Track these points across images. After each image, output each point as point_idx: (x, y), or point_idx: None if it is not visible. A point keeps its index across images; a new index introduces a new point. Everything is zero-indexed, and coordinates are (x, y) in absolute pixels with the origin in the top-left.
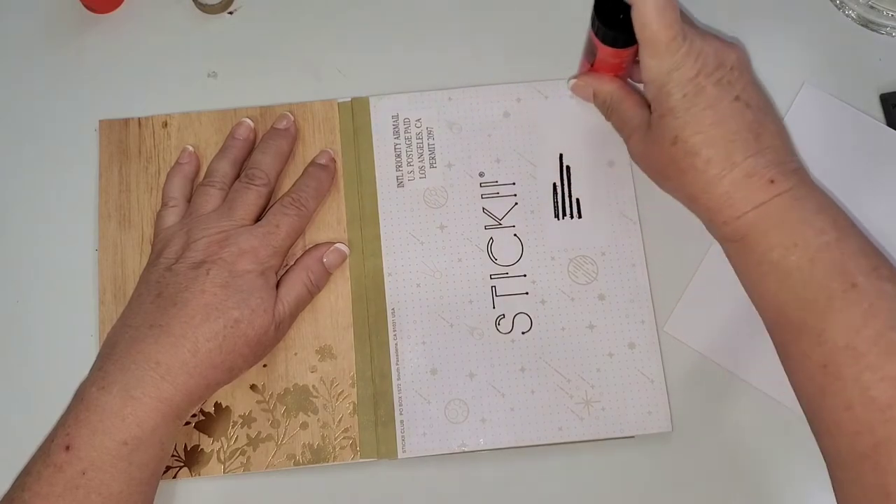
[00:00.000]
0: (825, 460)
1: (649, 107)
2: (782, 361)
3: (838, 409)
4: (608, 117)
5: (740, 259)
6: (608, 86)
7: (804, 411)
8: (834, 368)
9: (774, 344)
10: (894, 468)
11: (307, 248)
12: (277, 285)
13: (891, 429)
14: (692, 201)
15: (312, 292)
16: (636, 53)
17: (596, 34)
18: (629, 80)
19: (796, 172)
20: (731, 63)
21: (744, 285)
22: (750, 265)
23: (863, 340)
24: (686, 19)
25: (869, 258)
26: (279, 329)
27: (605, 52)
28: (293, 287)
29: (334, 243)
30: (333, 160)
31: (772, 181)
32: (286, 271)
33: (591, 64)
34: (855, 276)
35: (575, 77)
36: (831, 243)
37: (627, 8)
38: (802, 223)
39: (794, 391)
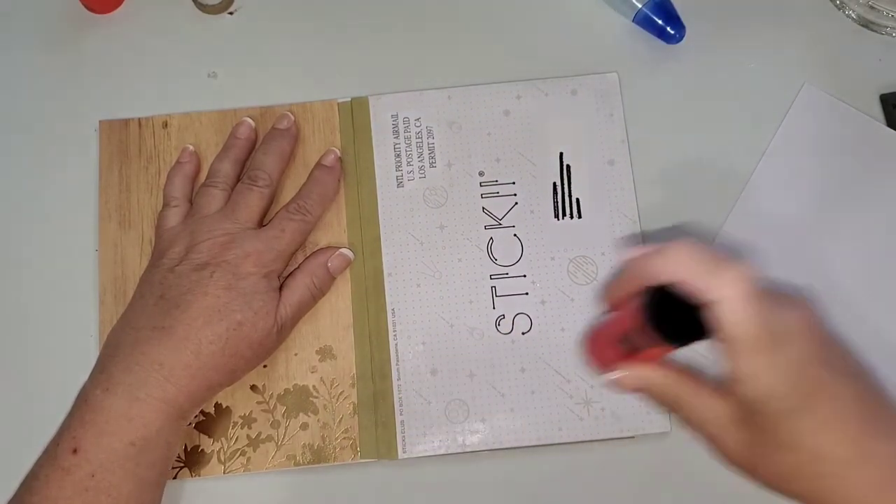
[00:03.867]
0: None
1: (724, 394)
2: None
3: None
4: (673, 412)
5: None
6: (661, 378)
7: None
8: None
9: None
10: None
11: (307, 248)
12: (280, 289)
13: None
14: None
15: (316, 296)
16: None
17: (657, 336)
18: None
19: None
20: (820, 328)
21: None
22: None
23: None
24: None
25: None
26: (281, 332)
27: (663, 350)
28: (296, 291)
29: (339, 248)
30: (339, 160)
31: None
32: (289, 275)
33: (625, 351)
34: None
35: (610, 369)
36: None
37: (694, 306)
38: None
39: None
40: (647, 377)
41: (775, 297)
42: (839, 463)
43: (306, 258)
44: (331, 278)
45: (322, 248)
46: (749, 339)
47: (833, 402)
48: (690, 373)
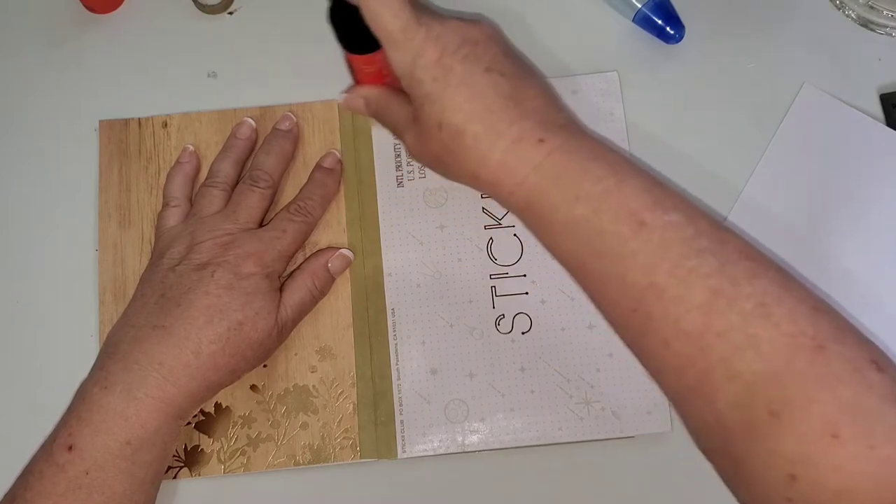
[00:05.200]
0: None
1: (408, 98)
2: (598, 308)
3: (658, 348)
4: (382, 124)
5: (534, 226)
6: (373, 91)
7: (638, 360)
8: (643, 309)
9: (586, 293)
10: (720, 396)
11: (307, 249)
12: (281, 289)
13: (709, 357)
14: (475, 181)
15: (316, 297)
16: None
17: (342, 46)
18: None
19: (564, 128)
20: (475, 38)
21: (546, 249)
22: (542, 229)
23: (662, 275)
24: (420, 5)
25: (651, 193)
26: (282, 332)
27: (357, 61)
28: (297, 291)
29: (339, 249)
30: (339, 162)
31: (540, 140)
32: (290, 276)
33: (354, 79)
34: (641, 215)
35: (344, 92)
36: (611, 188)
37: (356, 9)
38: (580, 175)
39: (622, 341)
40: (362, 92)
41: (437, 15)
42: (472, 138)
43: (306, 259)
44: (331, 279)
45: (322, 249)
46: (389, 34)
47: (464, 88)
48: (392, 88)
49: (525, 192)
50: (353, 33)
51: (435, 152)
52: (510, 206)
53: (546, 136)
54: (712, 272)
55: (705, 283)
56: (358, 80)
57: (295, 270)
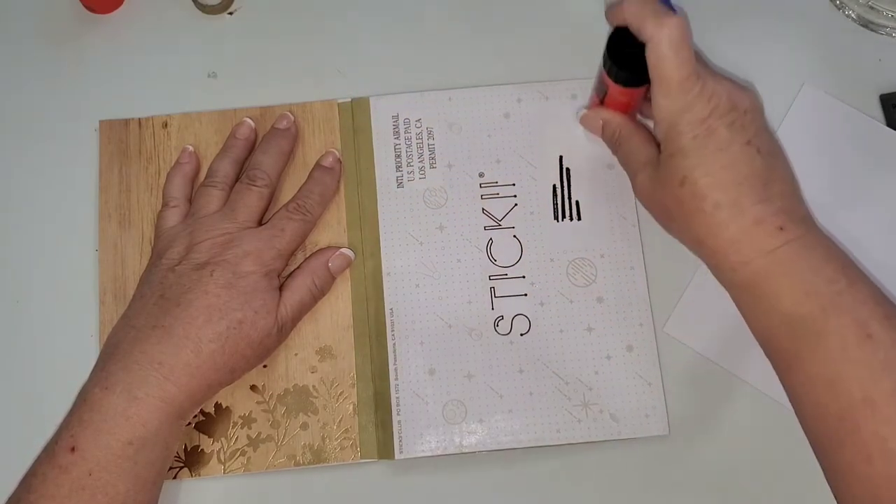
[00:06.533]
0: None
1: (658, 145)
2: (794, 406)
3: (857, 461)
4: (615, 151)
5: (749, 307)
6: (617, 119)
7: (818, 457)
8: (851, 421)
9: (785, 388)
10: None
11: (307, 249)
12: (281, 288)
13: None
14: (698, 245)
15: (316, 296)
16: (647, 91)
17: (608, 73)
18: (639, 116)
19: (805, 220)
20: (744, 107)
21: (753, 331)
22: (759, 313)
23: (881, 393)
24: (700, 60)
25: (882, 306)
26: (281, 332)
27: (616, 90)
28: (297, 290)
29: (339, 248)
30: (339, 161)
31: (781, 228)
32: (290, 275)
33: (600, 100)
34: (869, 326)
35: (585, 108)
36: (843, 291)
37: (641, 46)
38: (812, 272)
39: (807, 437)
40: (603, 116)
41: (720, 74)
42: (712, 205)
43: (307, 258)
44: (331, 278)
45: (323, 248)
46: (668, 78)
47: (721, 154)
48: (637, 122)
49: (750, 272)
50: (627, 65)
51: (666, 203)
52: (725, 280)
53: (787, 224)
54: None
55: None
56: (604, 103)
57: (295, 270)
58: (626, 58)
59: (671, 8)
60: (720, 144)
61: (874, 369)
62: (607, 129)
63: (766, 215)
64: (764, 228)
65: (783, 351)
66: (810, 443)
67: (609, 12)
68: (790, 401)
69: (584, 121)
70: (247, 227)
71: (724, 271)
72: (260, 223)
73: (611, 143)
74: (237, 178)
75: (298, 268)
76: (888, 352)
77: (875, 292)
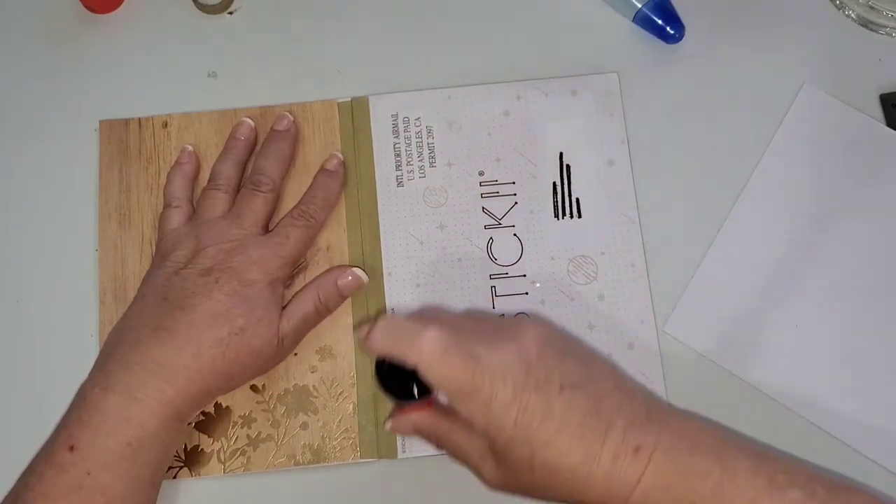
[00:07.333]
0: None
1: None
2: None
3: None
4: (440, 448)
5: None
6: (427, 420)
7: None
8: None
9: None
10: None
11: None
12: (288, 303)
13: None
14: (581, 503)
15: (321, 312)
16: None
17: (389, 395)
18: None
19: (651, 417)
20: (533, 356)
21: None
22: None
23: None
24: (467, 332)
25: (762, 473)
26: (283, 344)
27: (411, 406)
28: (302, 305)
29: (352, 267)
30: (343, 164)
31: (637, 449)
32: (299, 290)
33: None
34: (761, 501)
35: (389, 418)
36: (722, 482)
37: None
38: (686, 476)
39: None
40: (413, 421)
41: (484, 340)
42: (572, 470)
43: (318, 276)
44: (339, 296)
45: (336, 266)
46: (455, 390)
47: (548, 420)
48: (449, 416)
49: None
50: (404, 386)
51: (529, 487)
52: None
53: (639, 440)
54: None
55: None
56: (402, 410)
57: (305, 284)
58: (401, 379)
59: (677, 21)
60: (541, 413)
61: None
62: (422, 435)
63: (618, 445)
64: (622, 461)
65: None
66: None
67: (363, 345)
68: None
69: (394, 431)
70: (253, 234)
71: None
72: (266, 228)
73: (432, 442)
74: (240, 180)
75: (308, 283)
76: None
77: (752, 461)
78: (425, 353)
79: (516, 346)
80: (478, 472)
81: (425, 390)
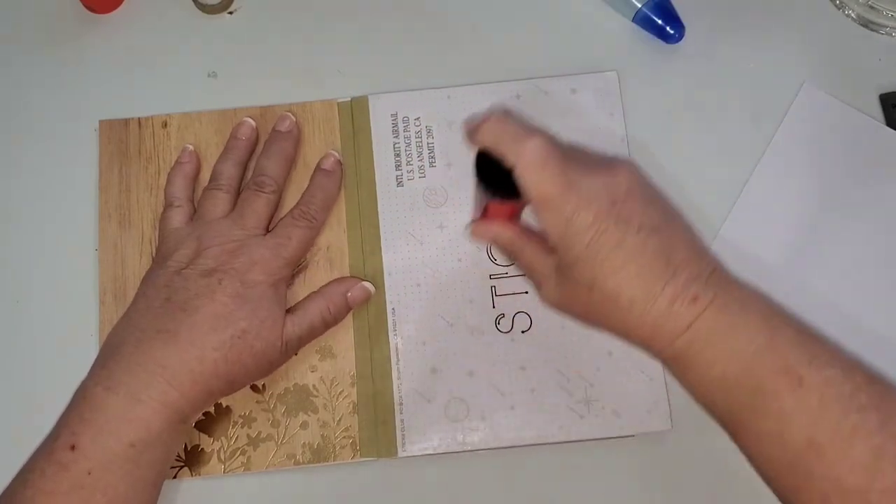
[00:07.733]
0: None
1: (550, 249)
2: (750, 461)
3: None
4: (513, 262)
5: (684, 378)
6: (507, 233)
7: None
8: (802, 467)
9: (741, 451)
10: None
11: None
12: (294, 308)
13: None
14: (625, 337)
15: (328, 322)
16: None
17: (484, 190)
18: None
19: (713, 277)
20: (622, 194)
21: (696, 400)
22: (693, 383)
23: (823, 434)
24: (569, 157)
25: (805, 347)
26: (286, 350)
27: (494, 206)
28: (309, 312)
29: (361, 280)
30: (339, 163)
31: (694, 299)
32: (306, 297)
33: (482, 213)
34: (798, 371)
35: (472, 222)
36: (765, 345)
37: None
38: (733, 332)
39: (769, 486)
40: (493, 231)
41: (582, 166)
42: (627, 301)
43: (325, 284)
44: (347, 308)
45: (345, 277)
46: (542, 198)
47: (619, 251)
48: (527, 232)
49: (677, 349)
50: (499, 182)
51: (580, 309)
52: (658, 357)
53: (699, 292)
54: (874, 430)
55: (868, 441)
56: (488, 216)
57: (312, 293)
58: (496, 176)
59: (677, 21)
60: (614, 243)
61: (812, 413)
62: (498, 244)
63: (677, 292)
64: (679, 306)
65: (726, 415)
66: (769, 486)
67: (468, 134)
68: (750, 463)
69: (474, 236)
70: (256, 234)
71: (654, 353)
72: (268, 229)
73: (506, 256)
74: (241, 180)
75: (315, 291)
76: (822, 392)
77: (797, 335)
78: (526, 156)
79: (609, 179)
80: (539, 288)
81: (514, 194)
